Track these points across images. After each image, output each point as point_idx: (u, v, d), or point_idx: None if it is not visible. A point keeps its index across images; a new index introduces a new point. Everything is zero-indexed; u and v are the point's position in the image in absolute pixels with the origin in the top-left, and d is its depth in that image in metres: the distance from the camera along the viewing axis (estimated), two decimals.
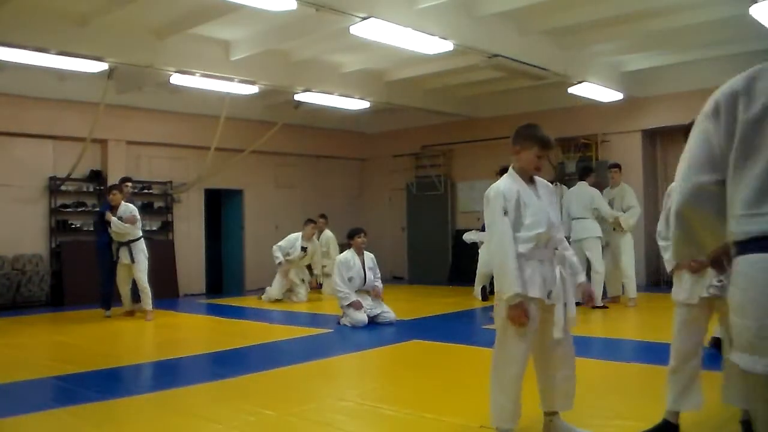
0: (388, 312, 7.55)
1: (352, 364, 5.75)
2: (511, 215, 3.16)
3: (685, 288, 3.37)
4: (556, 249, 3.28)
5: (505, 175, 3.32)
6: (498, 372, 3.22)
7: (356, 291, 7.40)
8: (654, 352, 5.42)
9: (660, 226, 3.64)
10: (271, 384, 4.89)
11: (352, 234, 7.62)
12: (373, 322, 7.47)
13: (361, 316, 7.30)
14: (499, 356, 3.23)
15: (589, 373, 5.01)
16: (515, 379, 3.17)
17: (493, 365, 3.25)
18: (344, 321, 7.46)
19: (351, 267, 7.44)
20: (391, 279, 13.29)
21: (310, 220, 10.37)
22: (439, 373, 5.13)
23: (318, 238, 10.72)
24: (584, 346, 5.97)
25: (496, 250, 3.19)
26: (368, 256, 7.61)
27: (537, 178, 3.37)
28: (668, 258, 3.52)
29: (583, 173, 8.81)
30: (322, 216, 11.33)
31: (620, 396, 4.16)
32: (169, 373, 5.35)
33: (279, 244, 10.17)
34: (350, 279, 7.40)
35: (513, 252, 3.11)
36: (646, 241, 9.98)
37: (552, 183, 11.31)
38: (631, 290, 8.51)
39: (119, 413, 4.10)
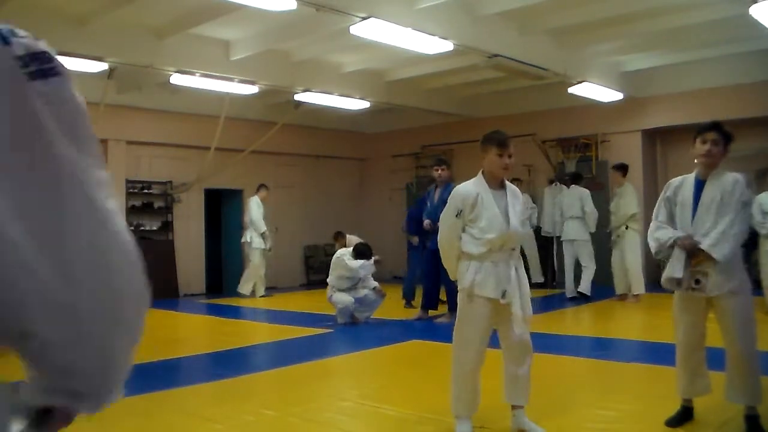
0: (372, 288, 7.68)
1: (352, 364, 5.75)
2: (467, 216, 3.42)
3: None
4: (513, 249, 3.45)
5: (473, 179, 3.57)
6: (454, 366, 3.48)
7: (347, 288, 7.60)
8: (654, 352, 5.43)
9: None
10: (271, 384, 4.89)
11: (364, 252, 7.67)
12: (367, 321, 7.64)
13: (347, 298, 7.49)
14: (455, 351, 3.48)
15: (589, 373, 5.02)
16: (469, 373, 3.42)
17: (453, 363, 3.50)
18: (340, 320, 7.54)
19: (354, 273, 7.59)
20: (391, 279, 13.28)
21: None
22: (439, 373, 5.13)
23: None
24: (584, 346, 5.99)
25: (442, 246, 3.57)
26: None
27: (509, 186, 3.56)
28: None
29: (574, 179, 9.38)
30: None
31: (621, 396, 4.15)
32: (169, 373, 5.35)
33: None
34: (348, 278, 7.53)
35: (455, 251, 3.47)
36: (646, 240, 10.00)
37: (551, 183, 11.55)
38: (635, 287, 8.79)
39: (119, 413, 4.09)
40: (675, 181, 3.60)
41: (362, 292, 7.67)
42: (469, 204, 3.42)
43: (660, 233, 3.49)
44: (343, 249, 7.87)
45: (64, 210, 0.71)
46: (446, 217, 3.52)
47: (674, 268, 3.37)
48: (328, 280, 7.76)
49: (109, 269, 0.75)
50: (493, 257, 3.38)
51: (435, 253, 7.78)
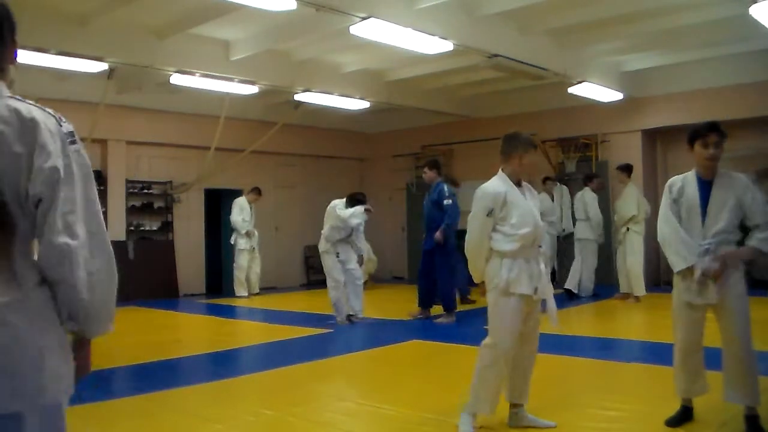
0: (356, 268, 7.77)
1: (352, 364, 5.75)
2: (497, 214, 3.40)
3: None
4: (540, 246, 3.52)
5: (495, 177, 3.53)
6: (486, 367, 3.40)
7: (339, 240, 7.62)
8: (655, 352, 5.43)
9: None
10: (271, 384, 4.89)
11: (358, 199, 7.69)
12: (365, 320, 7.69)
13: (339, 276, 7.61)
14: (486, 350, 3.43)
15: (589, 373, 5.01)
16: (501, 374, 3.39)
17: (482, 361, 3.43)
18: (339, 320, 7.59)
19: (345, 223, 7.58)
20: (391, 279, 13.29)
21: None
22: (439, 373, 5.14)
23: None
24: (585, 346, 5.98)
25: (471, 247, 3.48)
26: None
27: (525, 184, 3.60)
28: None
29: (586, 179, 9.58)
30: None
31: (621, 396, 4.15)
32: (169, 373, 5.35)
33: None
34: (341, 228, 7.58)
35: (484, 251, 3.45)
36: (646, 240, 9.99)
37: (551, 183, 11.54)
38: (635, 288, 8.82)
39: (119, 413, 4.10)
40: (675, 181, 3.54)
41: (352, 264, 7.68)
42: (500, 202, 3.39)
43: (681, 246, 3.41)
44: (337, 200, 7.78)
45: (91, 219, 1.51)
46: (476, 217, 3.45)
47: (692, 294, 3.38)
48: (322, 232, 7.74)
49: (107, 251, 1.54)
50: (525, 254, 3.38)
51: (429, 254, 7.87)
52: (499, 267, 3.39)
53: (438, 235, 7.52)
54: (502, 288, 3.36)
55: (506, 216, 3.39)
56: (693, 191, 3.42)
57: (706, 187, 3.39)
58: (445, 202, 7.62)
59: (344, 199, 7.71)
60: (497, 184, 3.47)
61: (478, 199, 3.46)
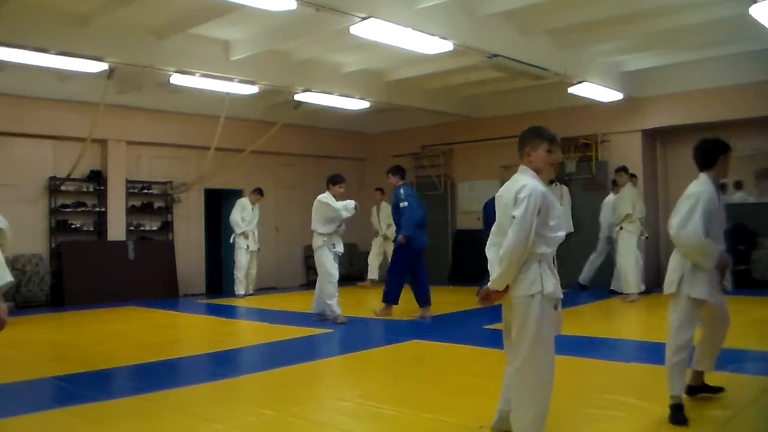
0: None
1: (352, 364, 5.75)
2: (541, 216, 3.10)
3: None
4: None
5: (527, 175, 3.22)
6: (535, 381, 3.10)
7: (335, 232, 7.77)
8: (654, 352, 5.42)
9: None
10: (271, 384, 4.89)
11: (337, 181, 7.89)
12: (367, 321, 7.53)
13: (335, 272, 7.72)
14: (537, 364, 3.11)
15: (588, 372, 5.01)
16: (551, 383, 3.15)
17: (528, 375, 3.11)
18: (337, 311, 7.64)
19: (337, 213, 7.72)
20: None
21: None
22: (439, 373, 5.14)
23: (379, 209, 12.41)
24: (584, 346, 5.98)
25: (519, 250, 3.04)
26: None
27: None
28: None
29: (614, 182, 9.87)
30: (379, 189, 12.38)
31: (622, 396, 4.15)
32: (169, 373, 5.35)
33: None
34: (333, 218, 7.72)
35: (525, 256, 3.08)
36: (650, 240, 9.98)
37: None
38: (630, 286, 8.86)
39: (119, 413, 4.10)
40: (711, 195, 3.66)
41: (339, 248, 7.84)
42: (546, 202, 3.12)
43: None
44: (323, 194, 7.91)
45: None
46: (528, 217, 3.04)
47: (705, 291, 3.61)
48: (312, 227, 7.78)
49: None
50: (551, 258, 3.17)
51: (400, 252, 8.00)
52: (538, 271, 3.09)
53: (401, 238, 7.83)
54: (548, 294, 3.08)
55: (546, 217, 3.11)
56: (717, 198, 3.69)
57: (719, 191, 3.75)
58: (401, 204, 7.87)
59: (327, 192, 7.84)
60: (537, 182, 3.16)
61: (526, 198, 3.07)
